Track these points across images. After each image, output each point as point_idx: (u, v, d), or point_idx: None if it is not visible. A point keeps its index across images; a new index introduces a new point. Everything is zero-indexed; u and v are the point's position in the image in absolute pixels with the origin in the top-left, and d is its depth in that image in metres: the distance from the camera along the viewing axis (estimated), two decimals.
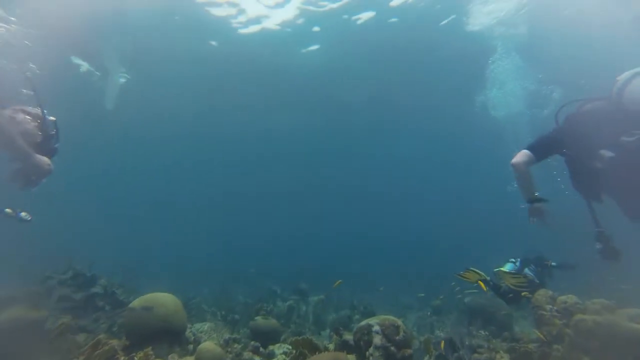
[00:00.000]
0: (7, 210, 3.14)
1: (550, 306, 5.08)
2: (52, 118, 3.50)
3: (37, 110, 3.41)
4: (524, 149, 3.03)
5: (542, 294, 5.35)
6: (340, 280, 7.31)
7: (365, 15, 13.64)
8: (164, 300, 4.71)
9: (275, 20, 13.69)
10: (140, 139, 22.36)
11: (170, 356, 3.92)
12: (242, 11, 13.19)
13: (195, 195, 31.31)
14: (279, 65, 16.44)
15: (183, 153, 25.61)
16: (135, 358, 3.60)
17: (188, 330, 5.73)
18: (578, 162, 2.75)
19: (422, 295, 9.99)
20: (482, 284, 5.89)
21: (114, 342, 4.45)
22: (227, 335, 5.74)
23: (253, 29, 14.19)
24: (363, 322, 5.21)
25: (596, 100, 2.80)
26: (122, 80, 15.75)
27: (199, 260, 22.06)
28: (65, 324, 4.15)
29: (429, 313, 10.70)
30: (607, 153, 2.35)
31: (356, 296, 11.83)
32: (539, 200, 2.93)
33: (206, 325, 6.72)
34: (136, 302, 4.62)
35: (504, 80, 11.56)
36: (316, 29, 14.25)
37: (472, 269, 5.80)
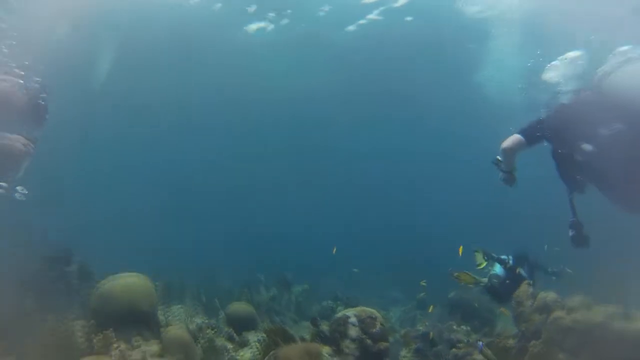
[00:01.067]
0: (2, 183, 2.97)
1: (531, 302, 4.99)
2: (36, 79, 3.26)
3: (19, 71, 3.15)
4: (516, 132, 3.08)
5: (523, 291, 5.26)
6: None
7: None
8: (133, 282, 4.55)
9: None
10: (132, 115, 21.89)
11: (134, 339, 3.77)
12: None
13: (189, 177, 31.08)
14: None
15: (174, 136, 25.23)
16: (95, 339, 3.44)
17: (162, 313, 5.59)
18: (562, 152, 2.76)
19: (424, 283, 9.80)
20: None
21: (79, 323, 4.30)
22: (201, 320, 5.59)
23: None
24: (340, 313, 5.10)
25: (583, 92, 2.80)
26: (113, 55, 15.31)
27: (191, 243, 21.84)
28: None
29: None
30: (586, 146, 2.34)
31: (341, 288, 11.75)
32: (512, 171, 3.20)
33: (183, 309, 6.57)
34: (103, 283, 4.46)
35: (501, 59, 11.30)
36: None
37: (466, 272, 5.81)
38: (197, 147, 27.71)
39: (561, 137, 2.69)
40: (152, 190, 30.28)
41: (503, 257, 6.24)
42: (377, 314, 4.97)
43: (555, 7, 9.47)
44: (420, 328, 5.69)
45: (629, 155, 2.12)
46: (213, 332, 5.48)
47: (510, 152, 3.20)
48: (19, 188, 3.03)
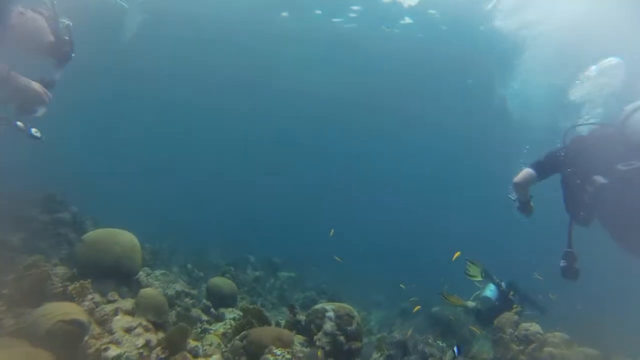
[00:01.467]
0: (19, 123, 3.02)
1: (512, 330, 4.91)
2: (66, 21, 3.33)
3: (50, 12, 3.25)
4: (528, 167, 3.08)
5: (506, 317, 5.19)
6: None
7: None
8: (120, 238, 4.53)
9: None
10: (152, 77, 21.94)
11: (111, 294, 3.75)
12: None
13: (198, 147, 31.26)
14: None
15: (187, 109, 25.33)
16: (70, 287, 3.43)
17: (145, 275, 5.59)
18: (573, 183, 2.72)
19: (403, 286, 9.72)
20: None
21: (60, 269, 4.30)
22: (181, 288, 5.58)
23: None
24: (318, 305, 5.06)
25: (606, 127, 2.80)
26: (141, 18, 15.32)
27: (189, 215, 21.92)
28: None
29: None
30: (600, 179, 2.35)
31: (328, 282, 11.72)
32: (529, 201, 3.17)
33: (167, 276, 6.56)
34: (90, 235, 4.45)
35: (529, 75, 11.16)
36: None
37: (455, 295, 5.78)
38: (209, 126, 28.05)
39: (575, 167, 2.67)
40: (157, 156, 30.59)
41: (496, 280, 6.20)
42: (355, 313, 4.92)
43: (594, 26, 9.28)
44: (397, 335, 5.62)
45: (635, 196, 2.10)
46: (191, 301, 5.48)
47: (522, 187, 3.22)
48: (33, 130, 3.10)
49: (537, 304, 6.26)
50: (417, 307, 8.65)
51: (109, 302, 3.61)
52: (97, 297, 3.48)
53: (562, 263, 2.75)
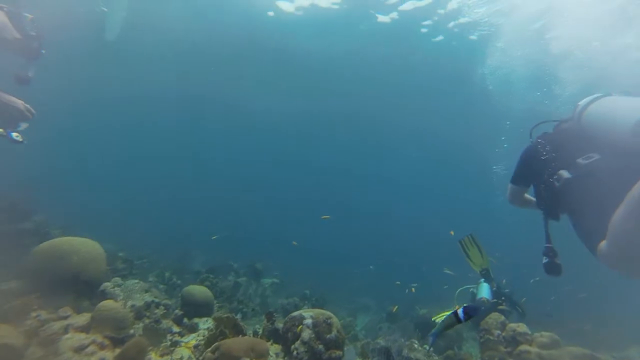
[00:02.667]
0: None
1: (499, 332, 4.71)
2: (28, 15, 3.07)
3: (11, 6, 2.99)
4: (510, 181, 3.15)
5: (493, 318, 4.99)
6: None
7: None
8: (79, 246, 4.20)
9: None
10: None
11: (62, 309, 3.42)
12: None
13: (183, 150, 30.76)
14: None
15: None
16: (14, 304, 3.09)
17: (112, 285, 5.24)
18: (542, 180, 2.75)
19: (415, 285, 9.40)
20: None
21: (13, 285, 3.96)
22: (151, 298, 5.25)
23: None
24: (296, 312, 4.79)
25: (566, 122, 2.89)
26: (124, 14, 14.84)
27: (173, 220, 21.41)
28: None
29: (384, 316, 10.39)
30: (565, 173, 2.41)
31: (315, 287, 11.42)
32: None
33: (140, 284, 6.21)
34: (44, 245, 4.11)
35: (506, 48, 11.29)
36: None
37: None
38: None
39: (543, 164, 2.71)
40: (139, 162, 29.98)
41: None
42: (335, 320, 4.66)
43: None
44: (381, 341, 5.38)
45: (602, 185, 2.13)
46: (162, 312, 5.16)
47: (515, 202, 3.25)
48: (14, 135, 3.00)
49: (519, 307, 6.10)
50: (395, 307, 8.46)
51: (60, 318, 3.28)
52: (44, 315, 3.15)
53: (544, 259, 2.64)
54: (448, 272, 7.43)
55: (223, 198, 30.82)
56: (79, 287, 4.08)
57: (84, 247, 4.20)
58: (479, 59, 12.68)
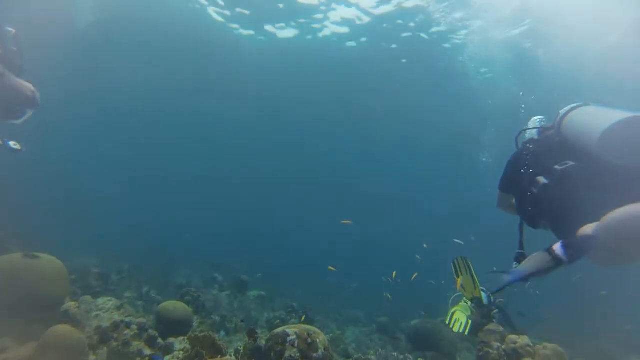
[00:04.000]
0: None
1: (498, 344, 4.38)
2: (11, 30, 2.81)
3: None
4: (498, 188, 3.18)
5: (492, 330, 4.67)
6: None
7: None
8: (33, 264, 3.76)
9: None
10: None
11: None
12: None
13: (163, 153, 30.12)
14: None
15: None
16: None
17: (75, 305, 4.77)
18: (522, 186, 2.77)
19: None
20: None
21: None
22: (121, 317, 4.80)
23: None
24: (279, 329, 4.39)
25: (549, 129, 2.94)
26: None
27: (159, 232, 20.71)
28: None
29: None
30: (542, 179, 2.47)
31: (303, 299, 11.01)
32: None
33: (111, 302, 5.73)
34: None
35: (486, 29, 11.26)
36: None
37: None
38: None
39: (525, 170, 2.76)
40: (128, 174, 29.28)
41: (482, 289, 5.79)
42: (322, 337, 4.28)
43: None
44: (372, 357, 5.00)
45: (576, 189, 2.23)
46: (132, 332, 4.70)
47: (504, 208, 3.26)
48: (12, 144, 2.93)
49: (510, 321, 5.80)
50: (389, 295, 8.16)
51: None
52: None
53: (515, 265, 2.62)
54: (457, 241, 7.16)
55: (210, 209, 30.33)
56: (33, 309, 3.62)
57: (40, 264, 3.75)
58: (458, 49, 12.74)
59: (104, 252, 12.76)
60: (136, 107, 23.92)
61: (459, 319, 4.81)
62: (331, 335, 8.17)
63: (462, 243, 7.19)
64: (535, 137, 3.05)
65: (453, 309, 4.87)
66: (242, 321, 8.50)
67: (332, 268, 8.48)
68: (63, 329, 3.12)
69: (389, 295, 8.39)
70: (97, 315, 4.97)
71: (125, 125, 26.20)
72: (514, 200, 3.11)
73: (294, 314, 8.83)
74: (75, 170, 27.52)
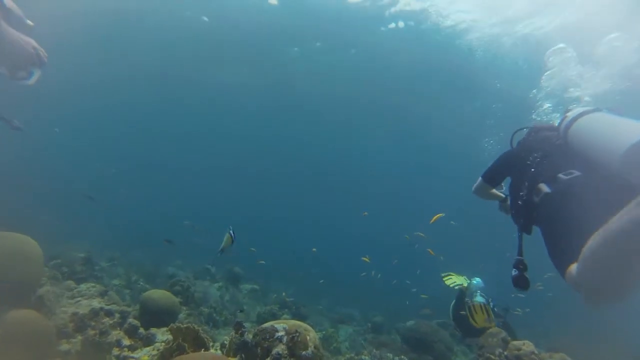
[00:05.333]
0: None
1: (500, 350, 4.10)
2: (30, 23, 2.56)
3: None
4: (481, 176, 3.19)
5: (493, 334, 4.40)
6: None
7: None
8: (4, 242, 3.48)
9: None
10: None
11: None
12: None
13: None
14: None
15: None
16: None
17: (52, 289, 4.49)
18: (518, 189, 2.65)
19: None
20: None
21: None
22: (100, 304, 4.52)
23: None
24: (267, 324, 4.11)
25: (548, 130, 2.86)
26: None
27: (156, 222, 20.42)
28: None
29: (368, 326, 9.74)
30: (544, 187, 2.31)
31: (297, 295, 10.71)
32: (505, 200, 3.25)
33: (94, 289, 5.46)
34: None
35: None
36: None
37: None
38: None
39: (523, 173, 2.62)
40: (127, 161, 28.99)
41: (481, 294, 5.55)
42: (313, 334, 4.00)
43: None
44: (365, 358, 4.74)
45: (579, 203, 2.07)
46: (112, 321, 4.43)
47: (480, 195, 3.33)
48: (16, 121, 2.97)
49: (509, 326, 5.55)
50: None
51: None
52: None
53: (514, 272, 2.50)
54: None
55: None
56: (2, 293, 3.35)
57: (9, 243, 3.47)
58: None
59: (98, 239, 12.55)
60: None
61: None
62: (324, 333, 7.90)
63: (453, 223, 7.01)
64: (534, 135, 3.01)
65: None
66: (241, 311, 8.30)
67: (366, 259, 8.22)
68: (24, 314, 2.84)
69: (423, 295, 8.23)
70: (77, 302, 4.70)
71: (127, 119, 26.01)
72: (492, 190, 3.23)
73: (286, 309, 8.57)
74: (77, 161, 27.35)
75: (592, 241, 1.62)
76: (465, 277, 5.10)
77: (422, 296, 8.37)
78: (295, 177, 31.26)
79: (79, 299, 4.99)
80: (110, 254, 10.89)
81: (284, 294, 9.10)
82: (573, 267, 1.79)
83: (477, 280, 4.92)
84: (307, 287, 12.39)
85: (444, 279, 5.33)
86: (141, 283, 7.87)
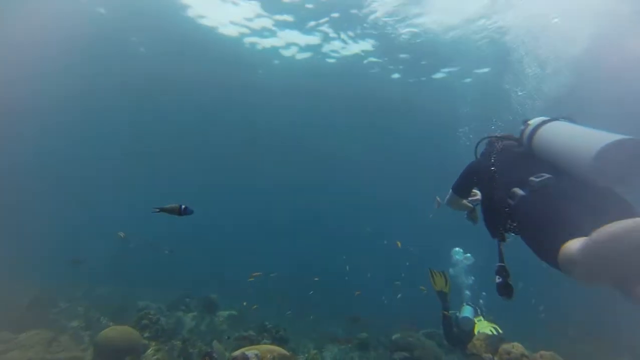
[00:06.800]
0: None
1: (490, 355, 3.85)
2: None
3: None
4: (451, 188, 3.28)
5: (481, 339, 4.15)
6: None
7: None
8: None
9: None
10: None
11: None
12: None
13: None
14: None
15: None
16: None
17: None
18: (489, 198, 2.71)
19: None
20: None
21: None
22: (38, 356, 4.01)
23: None
24: (238, 352, 3.72)
25: (508, 140, 2.97)
26: None
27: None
28: None
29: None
30: (518, 191, 2.41)
31: (276, 318, 10.19)
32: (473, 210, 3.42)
33: (37, 337, 4.89)
34: None
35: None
36: None
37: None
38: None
39: (491, 181, 2.70)
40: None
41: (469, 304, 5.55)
42: (289, 358, 3.64)
43: None
44: None
45: (553, 201, 2.19)
46: None
47: (453, 206, 3.44)
48: None
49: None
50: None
51: None
52: None
53: (497, 279, 2.55)
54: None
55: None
56: None
57: None
58: None
59: (59, 276, 11.71)
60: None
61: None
62: (306, 355, 7.46)
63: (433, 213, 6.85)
64: (489, 147, 3.11)
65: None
66: (228, 338, 7.81)
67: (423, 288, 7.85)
68: None
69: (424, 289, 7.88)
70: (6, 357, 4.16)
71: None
72: (463, 201, 3.36)
73: (265, 333, 8.07)
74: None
75: (618, 224, 1.60)
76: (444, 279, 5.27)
77: (421, 288, 8.02)
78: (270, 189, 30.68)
79: (14, 351, 4.41)
80: (71, 293, 10.15)
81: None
82: (574, 243, 1.77)
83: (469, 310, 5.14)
84: (292, 303, 11.87)
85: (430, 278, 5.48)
86: (104, 321, 7.23)
